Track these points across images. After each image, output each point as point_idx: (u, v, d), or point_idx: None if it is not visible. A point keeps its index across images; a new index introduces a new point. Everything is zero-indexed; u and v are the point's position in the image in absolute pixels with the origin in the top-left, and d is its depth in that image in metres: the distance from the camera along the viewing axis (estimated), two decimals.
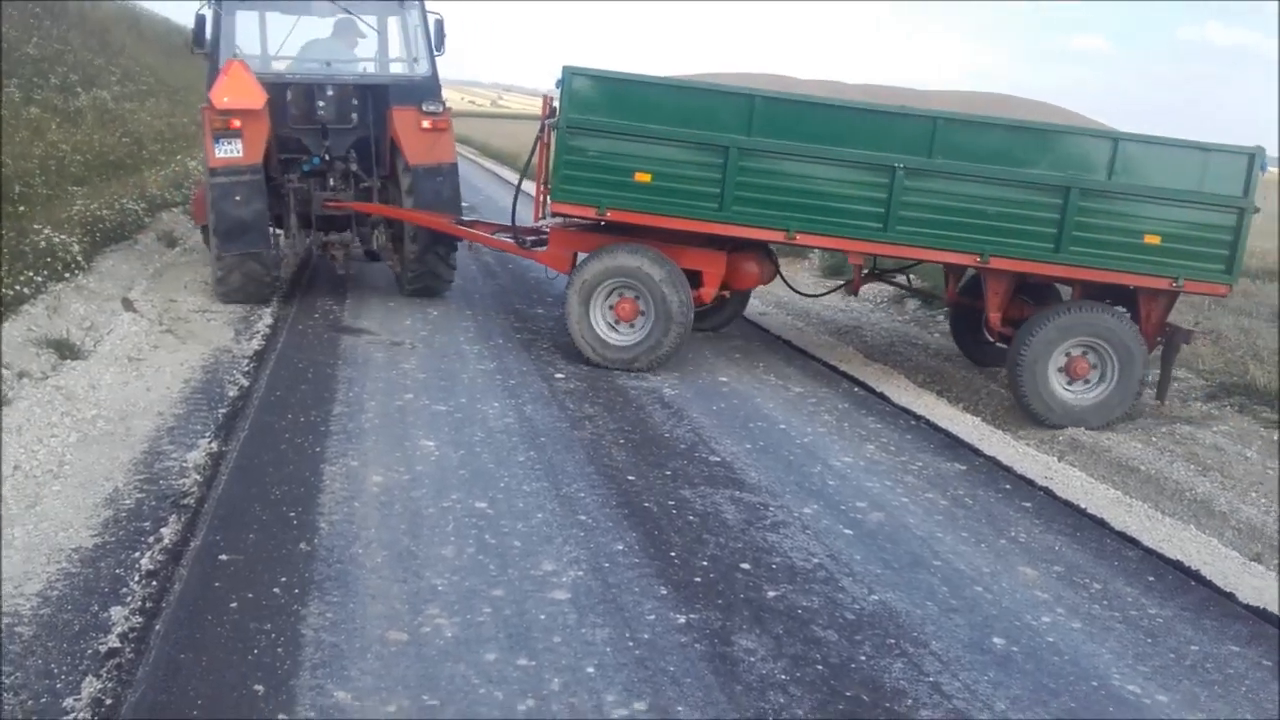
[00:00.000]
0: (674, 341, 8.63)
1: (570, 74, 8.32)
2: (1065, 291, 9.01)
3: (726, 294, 9.51)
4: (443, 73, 10.55)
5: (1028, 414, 8.34)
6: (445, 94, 10.45)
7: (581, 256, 8.99)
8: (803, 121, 8.31)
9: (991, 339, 9.58)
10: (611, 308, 8.76)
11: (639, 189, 8.39)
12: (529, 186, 9.80)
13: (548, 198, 8.76)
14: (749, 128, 8.23)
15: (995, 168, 8.13)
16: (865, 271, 9.91)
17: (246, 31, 10.27)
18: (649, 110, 8.34)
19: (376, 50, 11.07)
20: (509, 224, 9.97)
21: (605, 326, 8.78)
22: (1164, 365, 8.52)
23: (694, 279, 8.88)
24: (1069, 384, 8.34)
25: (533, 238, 9.73)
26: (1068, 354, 8.32)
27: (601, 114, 8.35)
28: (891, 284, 10.63)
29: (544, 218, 9.17)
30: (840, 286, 10.38)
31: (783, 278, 10.27)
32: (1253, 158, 7.89)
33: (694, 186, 8.35)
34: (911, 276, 10.60)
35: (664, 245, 8.70)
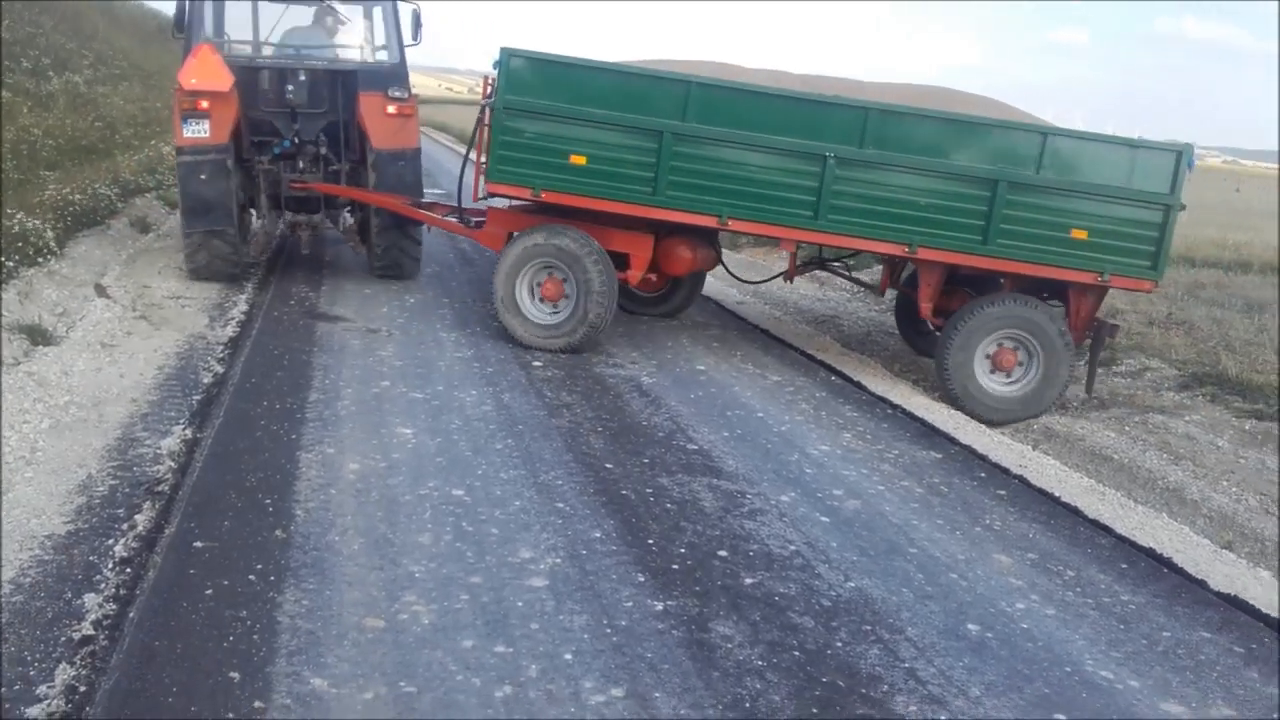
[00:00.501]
0: (596, 322, 8.66)
1: (508, 55, 8.40)
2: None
3: (654, 277, 9.51)
4: (420, 60, 10.60)
5: (955, 406, 8.38)
6: (424, 81, 10.56)
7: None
8: (737, 109, 8.39)
9: (933, 328, 9.65)
10: (539, 286, 8.82)
11: (574, 171, 8.45)
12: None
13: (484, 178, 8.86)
14: (684, 113, 8.30)
15: (924, 159, 8.20)
16: (808, 260, 10.17)
17: (232, 18, 10.56)
18: (585, 93, 8.40)
19: (350, 39, 11.20)
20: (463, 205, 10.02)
21: (531, 305, 8.85)
22: (1090, 358, 8.61)
23: (623, 261, 8.98)
24: (1005, 378, 8.39)
25: (477, 218, 9.82)
26: (991, 349, 8.38)
27: (538, 96, 8.41)
28: (834, 273, 10.70)
29: (483, 198, 9.25)
30: (778, 275, 10.44)
31: (724, 265, 10.31)
32: (1179, 155, 7.98)
33: (628, 170, 8.42)
34: (850, 265, 10.62)
35: (592, 227, 8.76)
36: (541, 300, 8.85)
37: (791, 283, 10.42)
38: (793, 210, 8.38)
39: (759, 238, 11.30)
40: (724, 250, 14.85)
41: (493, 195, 8.93)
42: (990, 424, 8.21)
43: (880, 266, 10.65)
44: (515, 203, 9.21)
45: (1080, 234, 8.08)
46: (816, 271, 10.88)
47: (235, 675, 3.74)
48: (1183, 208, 8.12)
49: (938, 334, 9.29)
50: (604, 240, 8.83)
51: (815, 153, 8.22)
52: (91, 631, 3.96)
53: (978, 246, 8.21)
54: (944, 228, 8.24)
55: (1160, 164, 8.01)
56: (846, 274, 10.70)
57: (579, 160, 8.42)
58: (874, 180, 8.25)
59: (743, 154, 8.35)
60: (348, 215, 11.36)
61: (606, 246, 8.82)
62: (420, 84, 10.52)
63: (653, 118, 8.31)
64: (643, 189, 8.43)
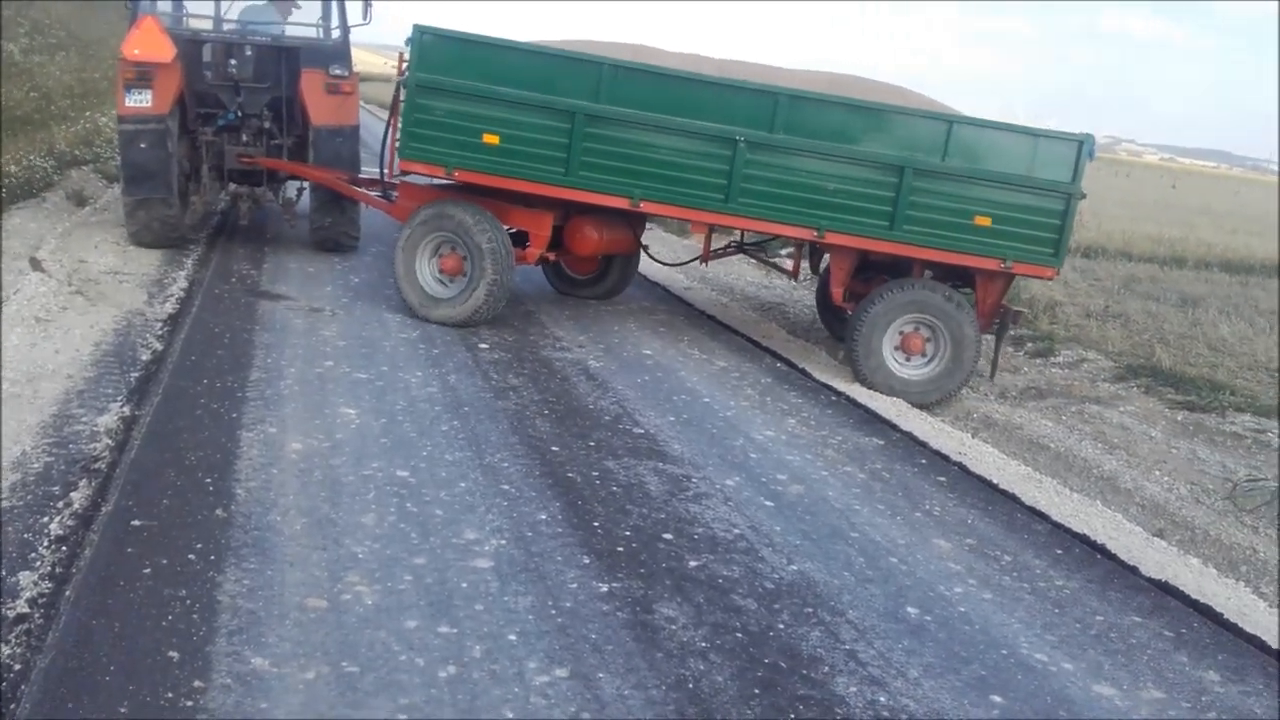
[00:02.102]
0: (488, 297, 8.66)
1: (420, 32, 8.42)
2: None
3: (551, 256, 9.58)
4: (370, 38, 10.60)
5: (866, 385, 8.50)
6: (372, 59, 10.61)
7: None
8: (650, 91, 8.44)
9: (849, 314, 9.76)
10: (439, 260, 8.88)
11: (487, 150, 8.48)
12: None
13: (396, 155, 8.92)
14: (597, 95, 8.35)
15: (833, 144, 8.30)
16: (727, 244, 10.38)
17: None
18: (499, 72, 8.42)
19: (298, 16, 11.35)
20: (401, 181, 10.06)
21: (430, 279, 8.91)
22: (996, 343, 8.81)
23: (526, 239, 9.10)
24: (906, 360, 8.53)
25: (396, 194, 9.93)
26: (901, 331, 8.51)
27: (450, 74, 8.43)
28: (751, 256, 10.75)
29: (398, 175, 9.33)
30: (695, 259, 10.53)
31: (643, 247, 10.37)
32: (1081, 145, 8.12)
33: (541, 150, 8.45)
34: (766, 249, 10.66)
35: (493, 204, 8.82)
36: (441, 274, 8.90)
37: (706, 265, 10.45)
38: (704, 193, 8.47)
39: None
40: (679, 236, 14.88)
41: (406, 173, 8.97)
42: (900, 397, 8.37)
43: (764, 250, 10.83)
44: (436, 180, 9.25)
45: (984, 221, 8.20)
46: (761, 258, 10.93)
47: (174, 654, 3.69)
48: (1083, 196, 8.26)
49: None
50: (505, 217, 8.90)
51: (726, 136, 8.30)
52: (27, 610, 3.88)
53: (884, 232, 8.32)
54: (852, 213, 8.35)
55: (1062, 153, 8.14)
56: (765, 258, 10.75)
57: (492, 139, 8.45)
58: (783, 165, 8.35)
59: (655, 136, 8.42)
60: (288, 189, 11.54)
61: (507, 223, 8.90)
62: (368, 61, 10.49)
63: (565, 98, 8.35)
64: (556, 169, 8.47)
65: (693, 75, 8.78)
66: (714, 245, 9.96)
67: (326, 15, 10.90)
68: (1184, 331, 10.81)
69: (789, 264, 10.30)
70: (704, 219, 8.82)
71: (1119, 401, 8.57)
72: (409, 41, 8.45)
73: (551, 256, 9.55)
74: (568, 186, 8.51)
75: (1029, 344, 10.37)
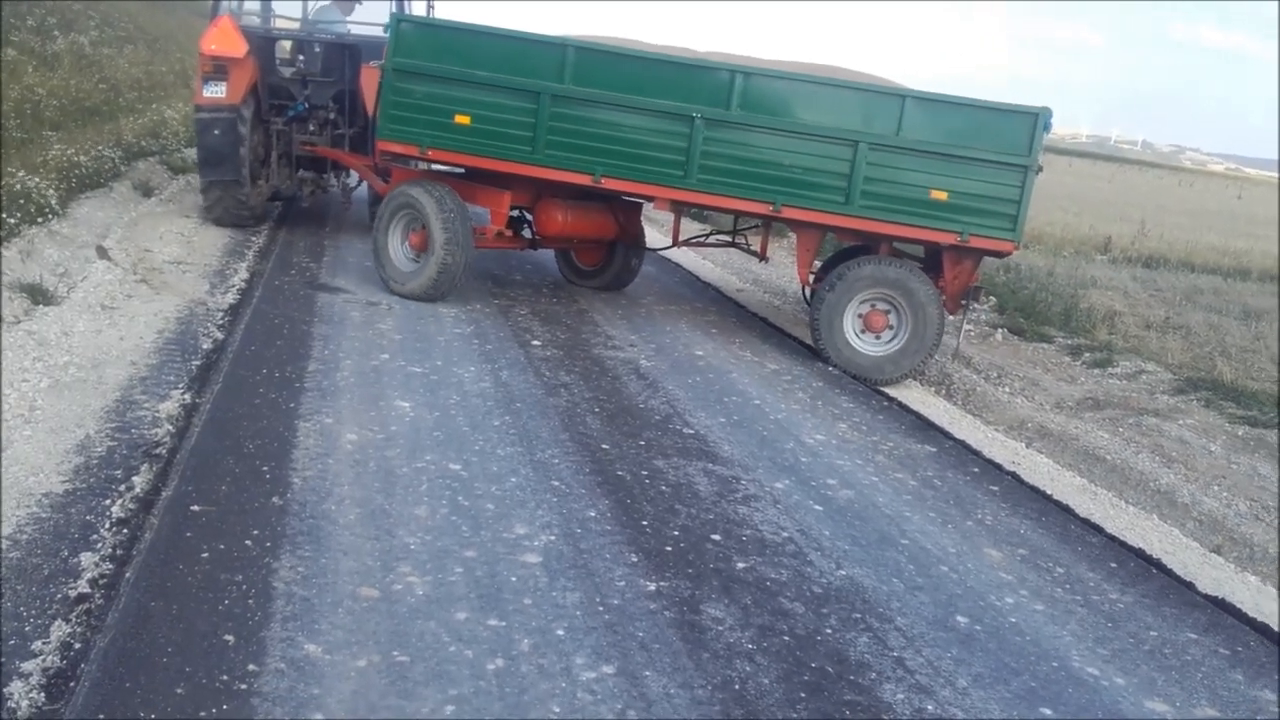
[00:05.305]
0: (444, 271, 8.95)
1: (397, 20, 8.87)
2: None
3: (509, 233, 9.81)
4: None
5: (827, 362, 8.67)
6: None
7: None
8: (612, 71, 8.65)
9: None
10: (408, 236, 9.29)
11: (459, 130, 8.80)
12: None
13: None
14: (561, 76, 8.57)
15: (787, 120, 8.42)
16: (714, 232, 10.80)
17: None
18: (470, 56, 8.71)
19: (367, 16, 11.98)
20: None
21: (400, 253, 9.33)
22: (961, 320, 8.98)
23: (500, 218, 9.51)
24: (869, 337, 8.64)
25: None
26: (862, 310, 8.60)
27: (425, 58, 8.78)
28: (738, 248, 10.66)
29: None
30: (669, 247, 10.57)
31: (623, 233, 10.25)
32: (1037, 118, 8.07)
33: (509, 130, 8.72)
34: (745, 235, 10.58)
35: (462, 184, 9.28)
36: (410, 250, 9.29)
37: (676, 245, 10.41)
38: (663, 169, 8.65)
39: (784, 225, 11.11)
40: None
41: (383, 153, 9.30)
42: (864, 381, 8.50)
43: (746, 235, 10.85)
44: (440, 165, 9.59)
45: (940, 195, 8.25)
46: (736, 245, 10.76)
47: (230, 638, 3.76)
48: (1040, 169, 8.24)
49: None
50: (471, 198, 9.28)
51: (683, 114, 8.46)
52: (88, 590, 3.98)
53: (840, 207, 8.41)
54: (807, 188, 8.47)
55: (1018, 127, 8.13)
56: (739, 244, 10.62)
57: (463, 120, 8.75)
58: (740, 141, 8.50)
59: (616, 115, 8.63)
60: (351, 176, 12.36)
61: (474, 204, 9.26)
62: None
63: (532, 79, 8.59)
64: (522, 147, 8.73)
65: (653, 55, 9.08)
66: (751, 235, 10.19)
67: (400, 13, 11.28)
68: (1246, 345, 10.60)
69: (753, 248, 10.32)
70: (664, 195, 8.92)
71: (1178, 414, 8.42)
72: (387, 28, 8.86)
73: (509, 233, 9.77)
74: (533, 164, 8.76)
75: (1086, 354, 10.22)
